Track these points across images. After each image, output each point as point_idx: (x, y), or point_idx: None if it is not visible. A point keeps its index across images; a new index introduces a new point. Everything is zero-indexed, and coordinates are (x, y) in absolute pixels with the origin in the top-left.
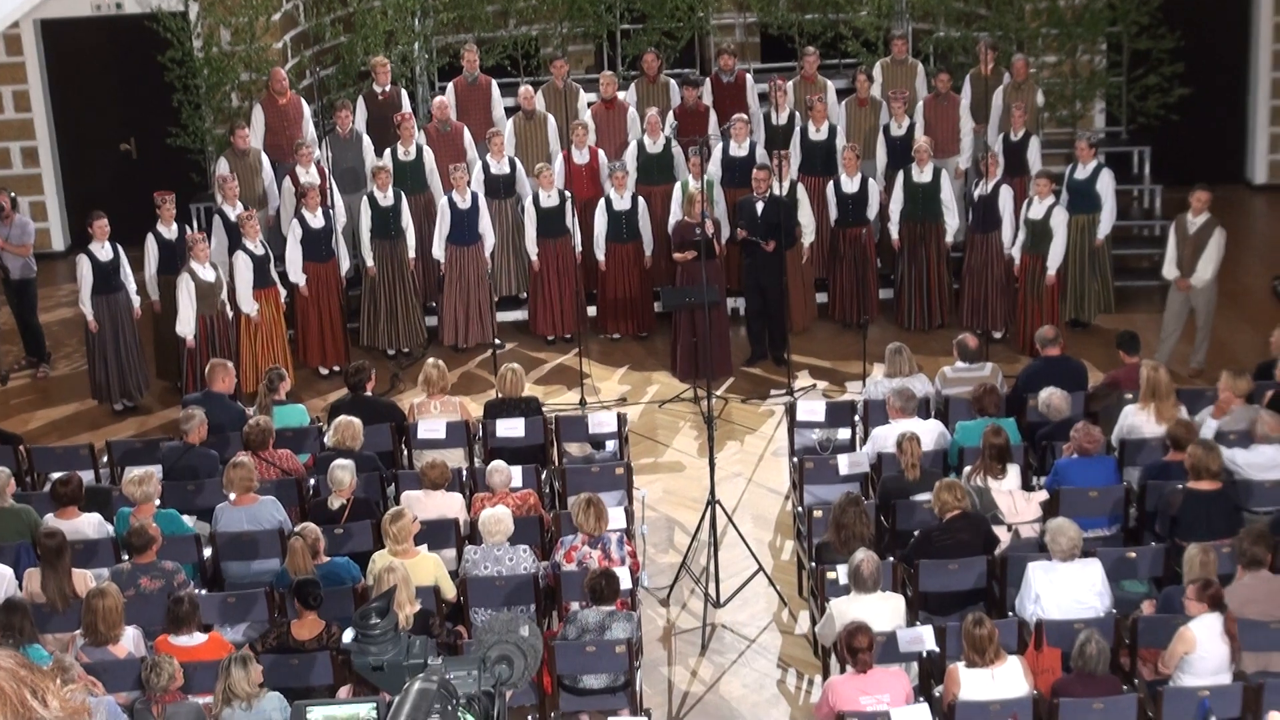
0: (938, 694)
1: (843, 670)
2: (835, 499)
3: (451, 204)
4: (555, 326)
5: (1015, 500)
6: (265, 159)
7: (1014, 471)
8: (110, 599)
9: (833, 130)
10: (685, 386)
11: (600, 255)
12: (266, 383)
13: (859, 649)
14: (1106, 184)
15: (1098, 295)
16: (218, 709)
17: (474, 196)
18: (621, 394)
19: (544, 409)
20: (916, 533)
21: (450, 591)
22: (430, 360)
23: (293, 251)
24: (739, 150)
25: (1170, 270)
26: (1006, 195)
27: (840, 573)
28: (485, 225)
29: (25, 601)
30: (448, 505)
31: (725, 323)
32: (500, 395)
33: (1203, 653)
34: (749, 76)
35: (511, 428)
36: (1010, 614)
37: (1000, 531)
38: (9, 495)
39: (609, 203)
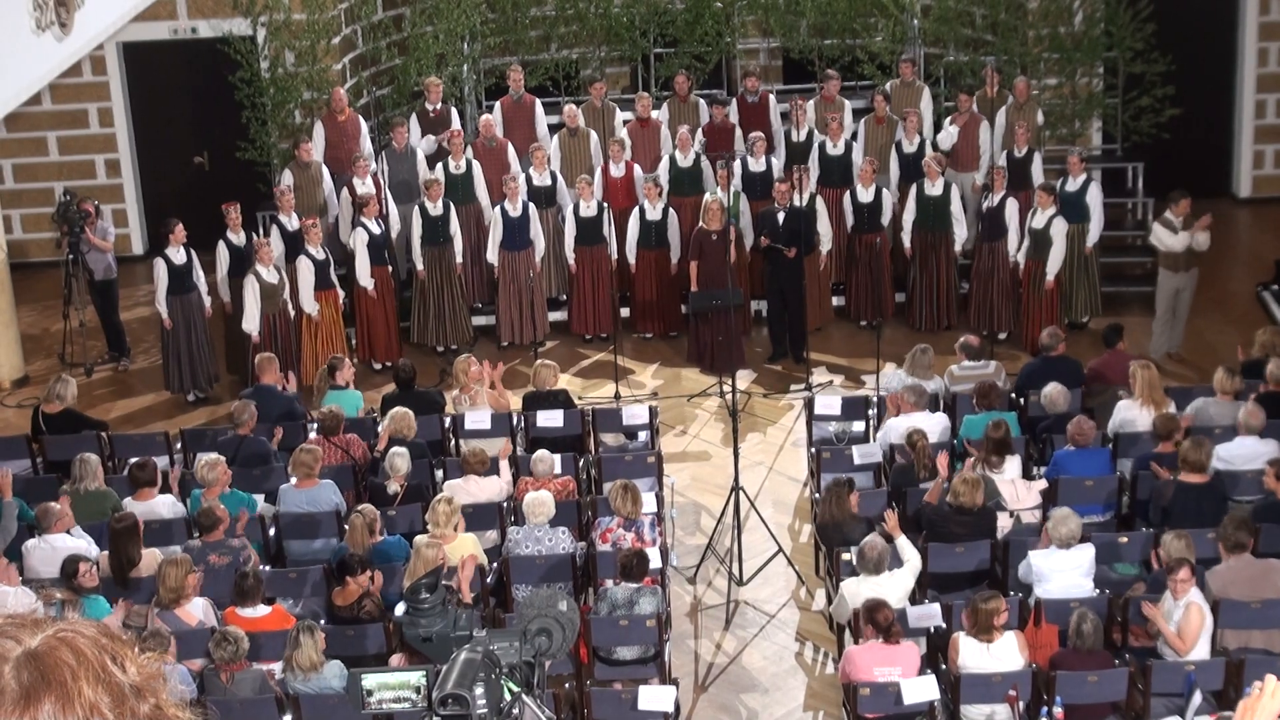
0: (944, 667)
1: (856, 642)
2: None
3: (504, 213)
4: (592, 326)
5: (1017, 488)
6: (326, 171)
7: (1014, 462)
8: (178, 567)
9: (849, 146)
10: (712, 382)
11: (631, 259)
12: (327, 368)
13: (887, 623)
14: (1095, 196)
15: (1086, 299)
16: (284, 675)
17: (525, 206)
18: (653, 389)
19: (577, 401)
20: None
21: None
22: (460, 359)
23: (360, 257)
24: (757, 166)
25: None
26: (1013, 207)
27: (853, 554)
28: (535, 232)
29: (93, 559)
30: (487, 489)
31: (743, 322)
32: (534, 389)
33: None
34: (772, 97)
35: (551, 419)
36: (1012, 592)
37: (1002, 517)
38: (98, 479)
39: (642, 212)
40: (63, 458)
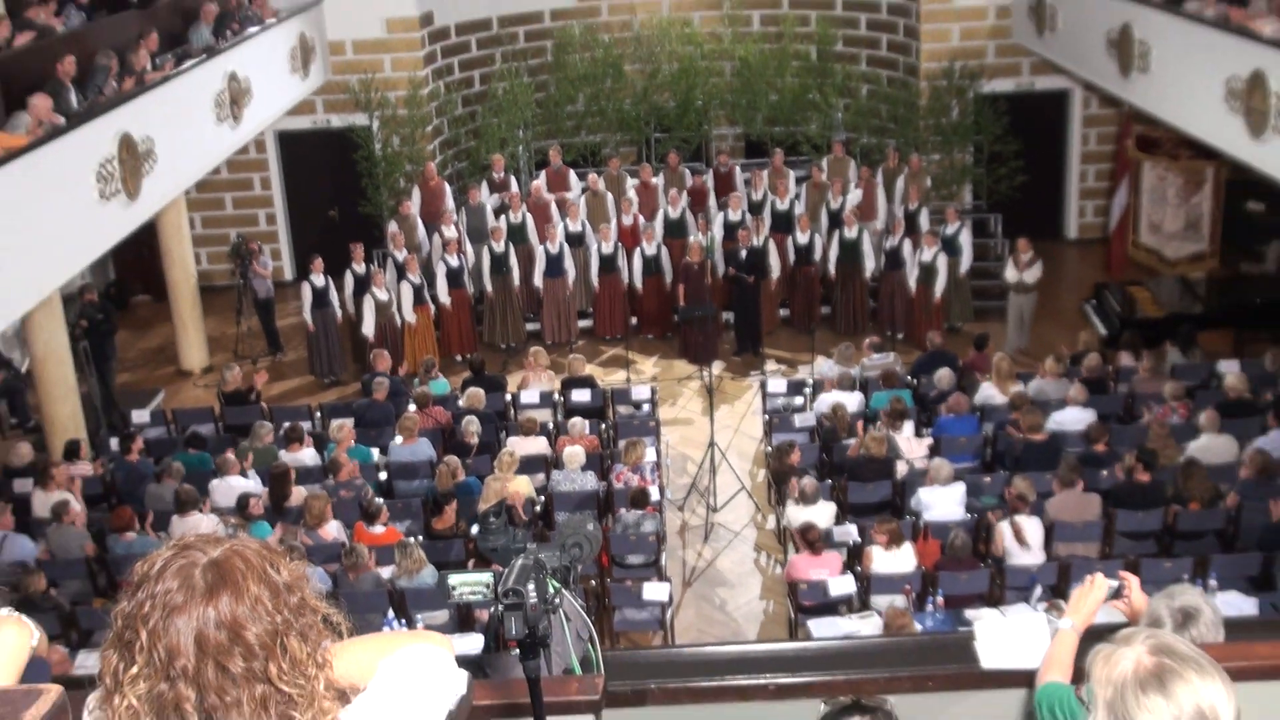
0: (859, 569)
1: (797, 552)
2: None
3: (546, 251)
4: (610, 330)
5: (911, 444)
6: (420, 221)
7: (909, 425)
8: (319, 500)
9: (792, 203)
10: (694, 368)
11: (638, 284)
12: (423, 369)
13: (814, 539)
14: (966, 238)
15: (960, 310)
16: (392, 576)
17: (561, 246)
18: (653, 374)
19: (599, 383)
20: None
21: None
22: (533, 349)
23: (442, 283)
24: (734, 217)
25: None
26: (909, 247)
27: (794, 489)
28: (569, 265)
29: (259, 495)
30: (536, 445)
31: (717, 327)
32: (569, 375)
33: (1027, 540)
34: (737, 168)
35: (582, 395)
36: (908, 517)
37: (900, 464)
38: (267, 439)
39: (643, 251)
40: (237, 422)
